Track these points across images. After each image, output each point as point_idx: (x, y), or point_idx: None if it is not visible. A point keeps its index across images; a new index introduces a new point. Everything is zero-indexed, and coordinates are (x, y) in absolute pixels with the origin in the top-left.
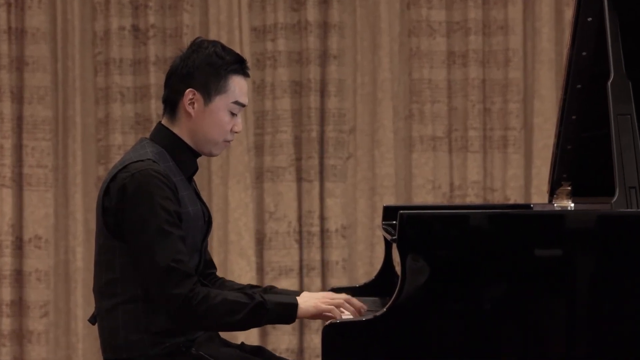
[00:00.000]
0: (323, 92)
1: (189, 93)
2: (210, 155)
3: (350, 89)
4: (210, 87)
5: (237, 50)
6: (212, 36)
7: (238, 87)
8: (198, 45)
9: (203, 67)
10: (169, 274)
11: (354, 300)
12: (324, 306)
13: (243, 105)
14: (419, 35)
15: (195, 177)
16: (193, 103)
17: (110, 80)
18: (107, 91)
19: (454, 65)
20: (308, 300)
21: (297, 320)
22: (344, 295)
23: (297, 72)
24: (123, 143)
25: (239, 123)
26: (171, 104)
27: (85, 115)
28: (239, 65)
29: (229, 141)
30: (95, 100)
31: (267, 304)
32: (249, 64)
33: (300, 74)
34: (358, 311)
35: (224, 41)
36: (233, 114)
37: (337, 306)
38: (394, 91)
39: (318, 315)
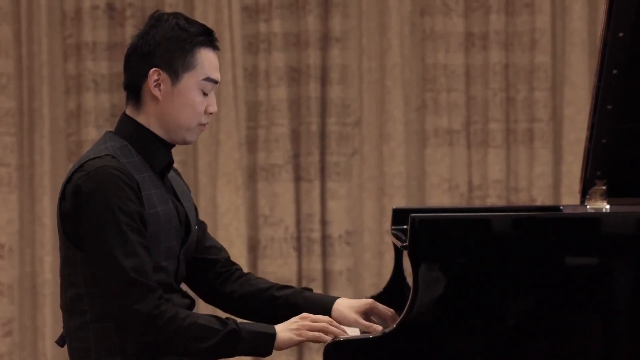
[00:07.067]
0: (324, 80)
1: (153, 73)
2: (184, 143)
3: (355, 75)
4: (176, 64)
5: (227, 33)
6: (198, 16)
7: (207, 61)
8: (157, 18)
9: (165, 42)
10: (130, 287)
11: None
12: (301, 337)
13: (215, 82)
14: (433, 15)
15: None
16: (159, 84)
17: (82, 66)
18: (78, 79)
19: (472, 49)
20: (288, 330)
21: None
22: (386, 310)
23: (294, 57)
24: (97, 138)
25: (213, 103)
26: (134, 89)
27: (53, 106)
28: (205, 37)
29: (204, 124)
30: (66, 89)
31: (241, 332)
32: (240, 48)
33: (298, 59)
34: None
35: (211, 22)
36: (205, 93)
37: (321, 330)
38: (404, 78)
39: (302, 342)
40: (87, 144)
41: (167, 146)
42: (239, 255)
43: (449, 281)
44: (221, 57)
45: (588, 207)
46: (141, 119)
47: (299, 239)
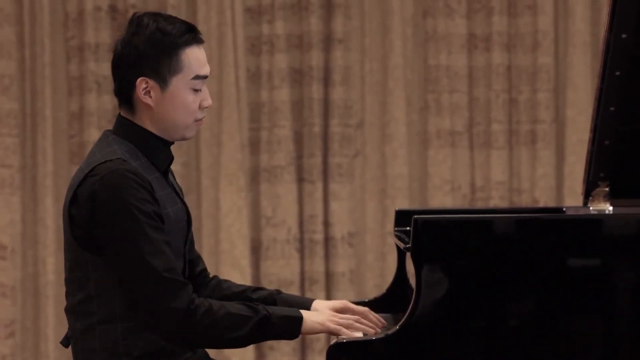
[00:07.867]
0: (327, 81)
1: (141, 83)
2: (184, 139)
3: (358, 77)
4: (162, 70)
5: (230, 34)
6: (201, 18)
7: (194, 59)
8: (137, 24)
9: (148, 50)
10: (164, 286)
11: (371, 316)
12: (332, 325)
13: (205, 77)
14: (436, 16)
15: (182, 178)
16: (149, 92)
17: (85, 68)
18: (81, 80)
19: (475, 50)
20: (317, 316)
21: (299, 337)
22: (361, 308)
23: (297, 59)
24: None
25: (206, 97)
26: (125, 96)
27: (56, 108)
28: (188, 35)
29: (200, 119)
30: (68, 90)
31: (272, 317)
32: (242, 49)
33: (300, 60)
34: (374, 326)
35: (213, 23)
36: (197, 90)
37: (347, 327)
38: (407, 79)
39: (327, 332)
40: (90, 145)
41: (167, 144)
42: (240, 257)
43: (451, 282)
44: (224, 59)
45: (591, 208)
46: (138, 121)
47: (301, 240)
